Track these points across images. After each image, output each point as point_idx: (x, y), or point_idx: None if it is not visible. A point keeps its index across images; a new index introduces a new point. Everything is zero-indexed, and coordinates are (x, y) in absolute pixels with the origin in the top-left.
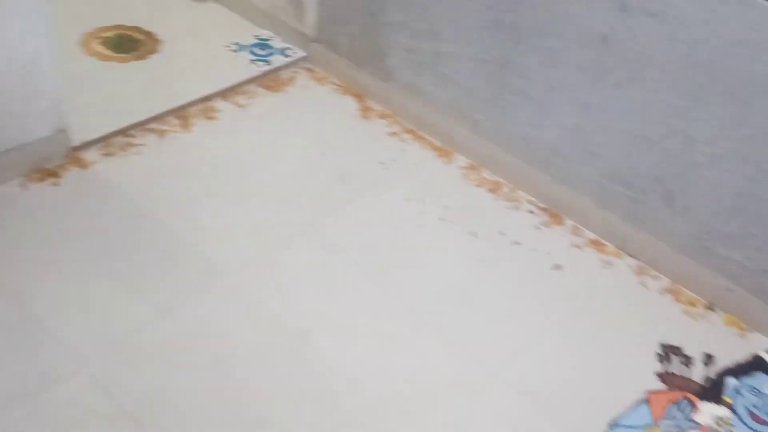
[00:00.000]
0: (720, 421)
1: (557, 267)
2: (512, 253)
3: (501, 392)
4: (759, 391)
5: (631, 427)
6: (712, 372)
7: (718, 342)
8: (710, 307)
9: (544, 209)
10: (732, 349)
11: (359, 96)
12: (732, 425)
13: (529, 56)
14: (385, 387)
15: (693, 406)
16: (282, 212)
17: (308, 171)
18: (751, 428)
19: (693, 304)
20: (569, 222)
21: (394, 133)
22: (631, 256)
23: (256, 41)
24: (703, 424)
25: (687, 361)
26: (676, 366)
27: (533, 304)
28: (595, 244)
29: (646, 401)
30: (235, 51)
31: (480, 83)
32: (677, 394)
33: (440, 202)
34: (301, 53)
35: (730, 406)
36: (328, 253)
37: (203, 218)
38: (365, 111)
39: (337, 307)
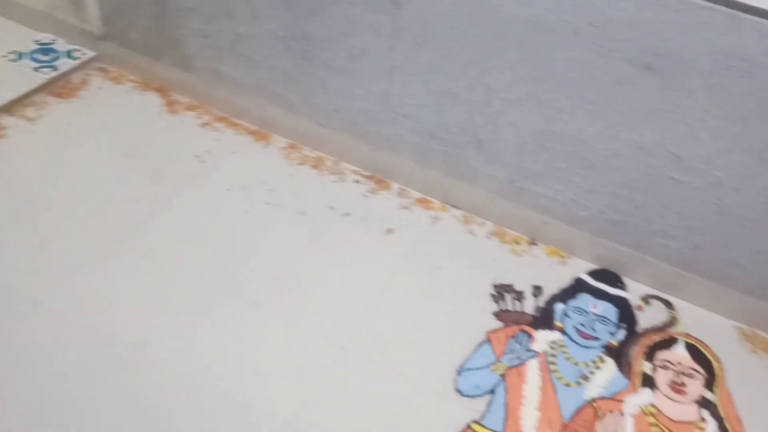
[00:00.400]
0: (553, 344)
1: (389, 231)
2: (344, 224)
3: (353, 360)
4: (583, 310)
5: (477, 368)
6: (542, 301)
7: (544, 273)
8: (533, 242)
9: (369, 177)
10: (557, 277)
11: (162, 90)
12: (564, 346)
13: (327, 27)
14: (234, 384)
15: (529, 336)
16: (93, 226)
17: (116, 178)
18: (579, 344)
19: (517, 242)
20: (395, 185)
21: (205, 124)
22: (456, 207)
23: (37, 47)
24: (539, 350)
25: (519, 296)
26: (509, 303)
27: (372, 270)
28: (421, 202)
29: (487, 341)
30: (14, 60)
31: (284, 60)
32: (514, 329)
33: (264, 187)
34: (90, 53)
35: (561, 330)
36: (150, 259)
37: (8, 250)
38: (171, 105)
39: (171, 313)
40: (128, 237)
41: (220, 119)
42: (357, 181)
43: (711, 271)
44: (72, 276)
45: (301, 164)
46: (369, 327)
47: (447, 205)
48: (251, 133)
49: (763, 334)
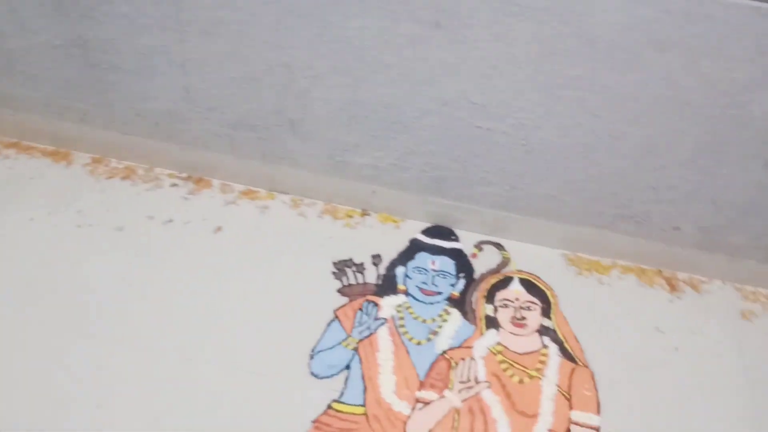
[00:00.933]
0: (399, 307)
1: (218, 229)
2: (167, 232)
3: (202, 369)
4: (423, 269)
5: (328, 348)
6: (383, 268)
7: (380, 241)
8: (365, 213)
9: (186, 178)
10: (393, 243)
11: None
12: (409, 307)
13: (106, 28)
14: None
15: (375, 305)
16: None
17: None
18: (424, 302)
19: (350, 216)
20: (216, 182)
21: None
22: (283, 193)
23: None
24: (387, 316)
25: (359, 268)
26: (351, 277)
27: (206, 272)
28: (247, 194)
29: (335, 318)
30: None
31: (69, 71)
32: (360, 301)
33: (73, 209)
34: None
35: (405, 292)
36: None
37: None
38: None
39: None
40: None
41: (10, 145)
42: (174, 185)
43: (530, 207)
44: None
45: (110, 178)
46: (213, 331)
47: (274, 193)
48: (49, 154)
49: (585, 256)
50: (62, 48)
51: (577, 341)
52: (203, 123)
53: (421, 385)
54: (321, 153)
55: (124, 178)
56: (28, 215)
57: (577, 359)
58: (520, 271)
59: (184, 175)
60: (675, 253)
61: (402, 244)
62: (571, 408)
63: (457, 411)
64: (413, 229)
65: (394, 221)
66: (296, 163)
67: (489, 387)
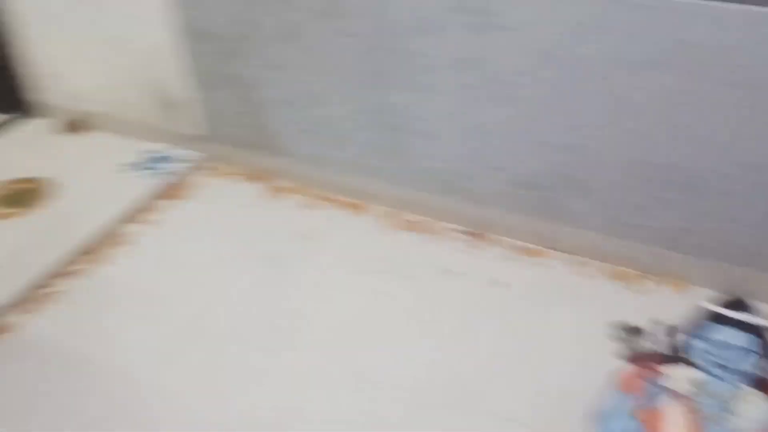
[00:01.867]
0: (692, 382)
1: (494, 282)
2: (447, 282)
3: (473, 419)
4: (721, 343)
5: (613, 415)
6: (673, 337)
7: (667, 307)
8: (648, 277)
9: (469, 233)
10: (681, 310)
11: (264, 178)
12: (704, 382)
13: (405, 94)
14: None
15: (663, 375)
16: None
17: (237, 265)
18: (720, 378)
19: (632, 279)
20: (495, 237)
21: (308, 205)
22: (560, 251)
23: (150, 156)
24: (676, 389)
25: (646, 334)
26: (637, 342)
27: (482, 326)
28: (524, 251)
29: (620, 385)
30: (131, 171)
31: (372, 133)
32: (647, 369)
33: (363, 255)
34: (197, 154)
35: (698, 366)
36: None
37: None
38: (275, 191)
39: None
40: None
41: (322, 198)
42: (455, 239)
43: None
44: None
45: (399, 229)
46: (486, 384)
47: (551, 250)
48: (350, 206)
49: None
50: (369, 113)
51: None
52: (487, 181)
53: None
54: (610, 216)
55: (411, 229)
56: (333, 259)
57: None
58: None
59: (467, 229)
60: None
61: (692, 313)
62: None
63: None
64: (705, 298)
65: (682, 288)
66: (577, 223)
67: None
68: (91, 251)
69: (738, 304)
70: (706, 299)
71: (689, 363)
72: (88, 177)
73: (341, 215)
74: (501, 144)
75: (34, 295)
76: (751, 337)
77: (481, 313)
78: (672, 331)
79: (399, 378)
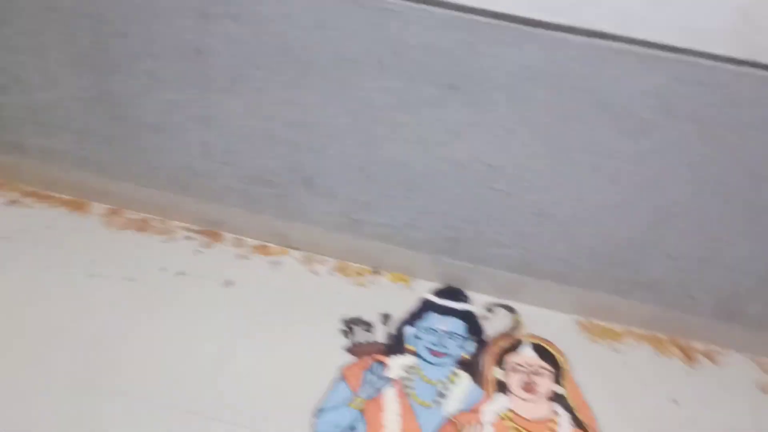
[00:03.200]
0: (408, 368)
1: (229, 283)
2: (179, 284)
3: (206, 425)
4: (432, 330)
5: (334, 408)
6: (392, 328)
7: (391, 300)
8: (376, 272)
9: (200, 231)
10: (404, 302)
11: None
12: (418, 368)
13: (130, 83)
14: None
15: (383, 365)
16: None
17: None
18: (433, 363)
19: (361, 274)
20: (229, 236)
21: (13, 202)
22: (295, 249)
23: None
24: (395, 377)
25: (368, 326)
26: (360, 335)
27: (214, 326)
28: (259, 249)
29: (342, 378)
30: None
31: (92, 123)
32: (368, 360)
33: (85, 258)
34: None
35: (413, 353)
36: None
37: None
38: None
39: None
40: None
41: (30, 194)
42: (188, 238)
43: (543, 271)
44: None
45: (124, 229)
46: (219, 387)
47: (286, 249)
48: (66, 203)
49: (598, 322)
50: (87, 101)
51: (590, 410)
52: (219, 177)
53: None
54: (335, 210)
55: (138, 229)
56: (40, 264)
57: (588, 429)
58: (531, 336)
59: (198, 228)
60: (690, 322)
61: (412, 304)
62: None
63: None
64: (424, 289)
65: (405, 281)
66: (310, 220)
67: None
68: None
69: (452, 293)
70: (426, 290)
71: (407, 351)
72: None
73: (54, 214)
74: (230, 138)
75: None
76: (460, 322)
77: (215, 314)
78: (392, 321)
79: (126, 382)
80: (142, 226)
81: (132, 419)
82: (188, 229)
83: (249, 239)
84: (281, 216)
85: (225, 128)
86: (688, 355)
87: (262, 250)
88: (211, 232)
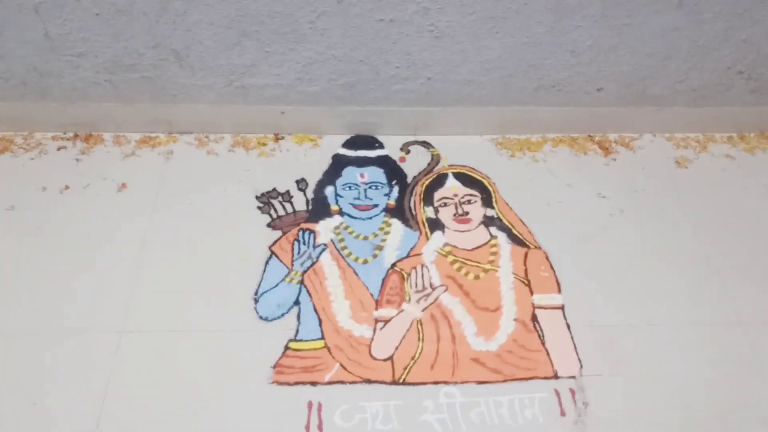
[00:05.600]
0: (337, 229)
1: (123, 186)
2: (67, 201)
3: (140, 340)
4: (353, 184)
5: (272, 287)
6: (311, 193)
7: (302, 163)
8: (278, 137)
9: (73, 138)
10: (316, 163)
11: None
12: (347, 226)
13: None
14: None
15: (312, 232)
16: None
17: None
18: (361, 218)
19: (263, 144)
20: (107, 135)
21: None
22: (184, 133)
23: None
24: (326, 242)
25: (285, 197)
26: (279, 207)
27: (120, 237)
28: (145, 142)
29: (272, 255)
30: None
31: None
32: (295, 231)
33: None
34: None
35: (339, 212)
36: None
37: None
38: None
39: None
40: None
41: None
42: (62, 148)
43: (450, 97)
44: None
45: None
46: (147, 298)
47: (174, 135)
48: None
49: (514, 136)
50: None
51: (524, 224)
52: (76, 72)
53: (378, 304)
54: (216, 81)
55: (2, 151)
56: None
57: (527, 242)
58: (452, 166)
59: (69, 135)
60: (602, 114)
61: (325, 163)
62: (532, 293)
63: (420, 321)
64: (334, 145)
65: (312, 140)
66: (192, 98)
67: (446, 290)
68: None
69: (364, 141)
70: (337, 145)
71: (331, 212)
72: None
73: None
74: (73, 24)
75: None
76: (377, 169)
77: (117, 224)
78: (307, 185)
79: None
80: (3, 148)
81: (44, 347)
82: (59, 138)
83: (130, 134)
84: (159, 100)
85: (65, 12)
86: (605, 148)
87: (149, 142)
88: (87, 136)
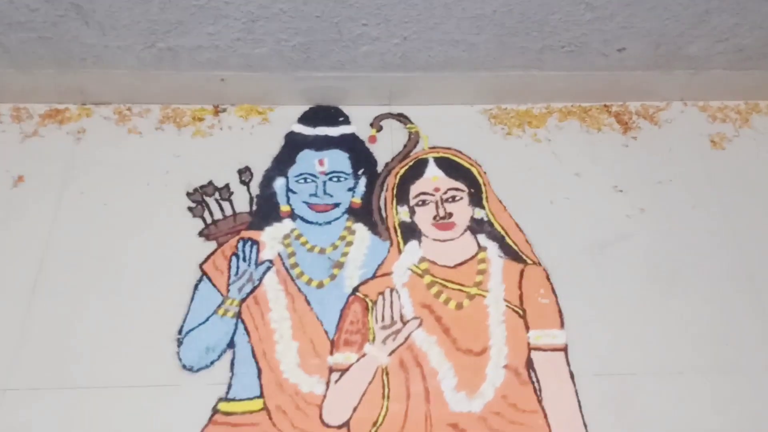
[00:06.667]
0: (286, 239)
1: (19, 178)
2: None
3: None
4: (309, 175)
5: (200, 324)
6: (256, 187)
7: (246, 145)
8: (218, 110)
9: None
10: (264, 144)
11: None
12: (300, 234)
13: None
14: None
15: (253, 243)
16: None
17: None
18: (317, 223)
19: (198, 119)
20: (3, 108)
21: None
22: (101, 104)
23: None
24: (272, 257)
25: (224, 193)
26: (216, 209)
27: (11, 246)
28: (51, 116)
29: (203, 276)
30: None
31: None
32: (233, 242)
33: None
34: None
35: (290, 214)
36: None
37: None
38: None
39: None
40: None
41: None
42: None
43: (432, 60)
44: None
45: None
46: (38, 342)
47: (88, 106)
48: None
49: (512, 106)
50: None
51: (520, 230)
52: None
53: (334, 346)
54: (134, 42)
55: None
56: None
57: (524, 256)
58: (434, 149)
59: None
60: (622, 80)
61: (276, 145)
62: (528, 328)
63: (386, 370)
64: (288, 119)
65: (260, 112)
66: (106, 62)
67: (420, 325)
68: None
69: (325, 115)
70: (291, 120)
71: (280, 215)
72: None
73: None
74: None
75: None
76: (342, 154)
77: (15, 227)
78: (251, 177)
79: None
80: None
81: None
82: None
83: (33, 105)
84: (65, 65)
85: None
86: (623, 123)
87: (56, 116)
88: None
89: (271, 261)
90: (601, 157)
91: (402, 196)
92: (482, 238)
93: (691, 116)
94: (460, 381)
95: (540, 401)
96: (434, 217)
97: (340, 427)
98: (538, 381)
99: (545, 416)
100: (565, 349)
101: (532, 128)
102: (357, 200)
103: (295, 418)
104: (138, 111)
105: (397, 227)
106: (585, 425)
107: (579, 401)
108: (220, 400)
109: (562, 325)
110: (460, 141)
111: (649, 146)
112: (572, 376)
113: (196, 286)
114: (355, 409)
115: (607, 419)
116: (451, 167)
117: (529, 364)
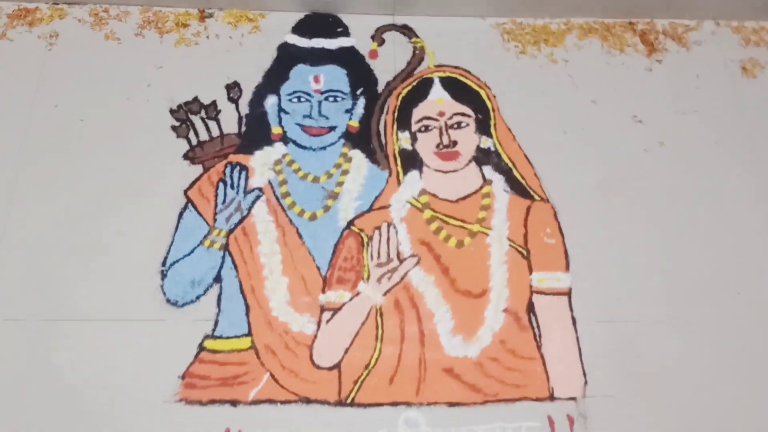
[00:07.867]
0: (277, 165)
1: None
2: None
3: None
4: (303, 93)
5: (185, 255)
6: (245, 105)
7: (236, 56)
8: (204, 15)
9: None
10: (254, 56)
11: None
12: (292, 160)
13: None
14: None
15: (242, 168)
16: None
17: None
18: (311, 148)
19: (183, 25)
20: None
21: None
22: (76, 3)
23: None
24: (262, 184)
25: (210, 111)
26: (201, 128)
27: None
28: (19, 16)
29: (188, 204)
30: None
31: None
32: (220, 166)
33: None
34: None
35: (281, 137)
36: None
37: None
38: None
39: None
40: None
41: None
42: None
43: None
44: None
45: None
46: (15, 270)
47: (60, 6)
48: None
49: (527, 21)
50: None
51: (529, 162)
52: None
53: (326, 283)
54: None
55: None
56: None
57: (531, 191)
58: (440, 68)
59: None
60: None
61: (268, 57)
62: (531, 269)
63: (380, 310)
64: (281, 27)
65: (251, 19)
66: None
67: (418, 264)
68: None
69: (321, 25)
70: (284, 30)
71: (271, 138)
72: None
73: None
74: None
75: None
76: (339, 70)
77: None
78: (240, 93)
79: None
80: None
81: None
82: None
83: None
84: None
85: None
86: (648, 43)
87: (25, 17)
88: None
89: (260, 189)
90: (622, 82)
91: (403, 120)
92: (488, 170)
93: (722, 38)
94: (457, 324)
95: (539, 348)
96: (437, 145)
97: (330, 369)
98: (538, 326)
99: (544, 364)
100: (569, 294)
101: (549, 47)
102: (354, 123)
103: (285, 359)
104: (116, 13)
105: (397, 155)
106: (584, 374)
107: (580, 349)
108: (207, 337)
109: (567, 267)
110: (468, 59)
111: (674, 71)
112: (574, 323)
113: (180, 214)
114: (346, 351)
115: (608, 369)
116: (458, 89)
117: (530, 308)
